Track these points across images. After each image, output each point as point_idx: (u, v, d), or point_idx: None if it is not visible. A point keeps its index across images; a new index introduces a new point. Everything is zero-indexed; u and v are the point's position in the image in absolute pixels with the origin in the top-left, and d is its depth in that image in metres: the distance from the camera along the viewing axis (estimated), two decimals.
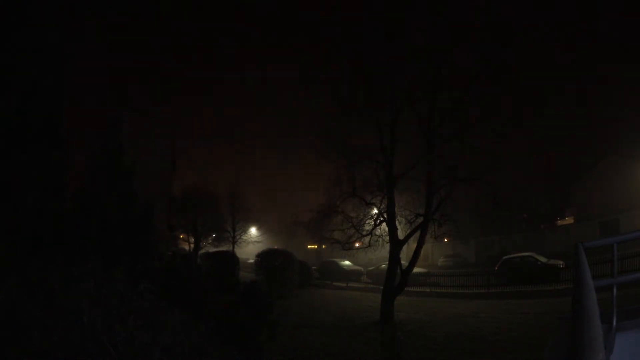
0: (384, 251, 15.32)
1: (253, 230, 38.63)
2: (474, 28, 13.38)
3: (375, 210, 15.24)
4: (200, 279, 12.36)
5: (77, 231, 8.76)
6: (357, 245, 16.30)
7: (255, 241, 36.53)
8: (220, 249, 30.32)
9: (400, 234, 14.78)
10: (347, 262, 26.96)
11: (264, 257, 22.48)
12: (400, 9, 14.51)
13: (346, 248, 15.58)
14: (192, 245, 32.20)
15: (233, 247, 33.31)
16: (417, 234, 14.23)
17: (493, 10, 13.44)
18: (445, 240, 23.90)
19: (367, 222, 15.57)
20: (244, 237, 35.91)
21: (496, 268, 19.99)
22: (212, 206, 33.49)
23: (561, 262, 18.09)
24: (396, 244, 14.41)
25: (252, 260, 25.47)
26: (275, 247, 26.94)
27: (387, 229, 14.79)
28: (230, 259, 22.89)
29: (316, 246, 39.72)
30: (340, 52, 14.69)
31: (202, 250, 30.33)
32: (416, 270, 16.15)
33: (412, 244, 15.19)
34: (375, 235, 15.28)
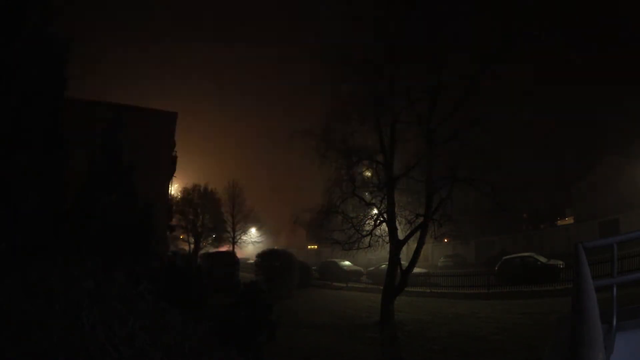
0: (384, 251, 15.32)
1: (253, 231, 38.67)
2: (475, 28, 13.37)
3: (375, 211, 15.24)
4: (200, 280, 12.35)
5: (77, 231, 8.76)
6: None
7: (255, 242, 36.58)
8: (221, 249, 30.36)
9: (400, 234, 14.78)
10: (347, 263, 26.97)
11: (264, 257, 22.48)
12: (401, 9, 14.50)
13: (346, 248, 15.58)
14: (192, 246, 32.25)
15: (233, 248, 33.36)
16: (417, 234, 14.23)
17: (494, 11, 13.43)
18: (445, 240, 23.92)
19: (367, 222, 15.56)
20: (244, 238, 35.97)
21: (496, 268, 20.00)
22: (212, 207, 33.55)
23: (561, 262, 18.09)
24: (396, 244, 14.40)
25: (252, 261, 25.47)
26: (275, 248, 26.97)
27: (387, 229, 14.79)
28: (230, 259, 22.90)
29: (316, 246, 39.74)
30: (340, 53, 14.69)
31: (202, 251, 30.36)
32: (416, 270, 16.15)
33: (412, 244, 15.19)
34: (375, 235, 15.27)
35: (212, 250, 29.79)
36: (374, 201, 15.12)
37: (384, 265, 18.43)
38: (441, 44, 13.13)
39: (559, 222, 36.42)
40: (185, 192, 32.87)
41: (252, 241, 36.57)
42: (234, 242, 34.76)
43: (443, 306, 15.77)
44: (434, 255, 33.18)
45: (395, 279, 14.18)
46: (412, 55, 13.77)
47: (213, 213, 33.52)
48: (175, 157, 24.40)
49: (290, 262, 22.01)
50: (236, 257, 24.15)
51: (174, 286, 8.96)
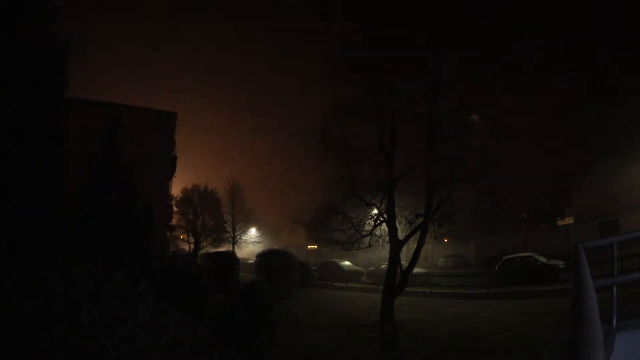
0: (384, 251, 15.31)
1: (253, 231, 38.65)
2: (475, 28, 13.39)
3: (375, 211, 15.23)
4: (200, 280, 12.36)
5: (77, 231, 8.74)
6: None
7: (255, 242, 36.57)
8: (220, 249, 30.35)
9: (400, 235, 14.77)
10: (347, 263, 26.97)
11: (264, 257, 22.49)
12: (401, 9, 14.51)
13: (346, 248, 15.57)
14: (192, 246, 32.25)
15: (233, 248, 33.34)
16: (417, 234, 14.23)
17: (493, 11, 13.44)
18: (445, 240, 23.91)
19: (367, 222, 15.56)
20: (244, 238, 35.95)
21: (496, 268, 20.00)
22: (212, 207, 33.54)
23: (561, 262, 18.09)
24: (396, 244, 14.39)
25: (252, 261, 25.47)
26: (276, 248, 26.97)
27: (387, 229, 14.78)
28: (230, 259, 22.90)
29: (316, 246, 39.75)
30: (340, 52, 14.70)
31: (202, 251, 30.35)
32: (416, 270, 16.15)
33: (412, 244, 15.20)
34: (375, 235, 15.26)
35: (212, 250, 29.77)
36: (374, 201, 15.11)
37: (384, 265, 18.43)
38: (441, 44, 13.14)
39: (559, 222, 36.43)
40: (185, 192, 32.86)
41: (252, 241, 36.55)
42: (234, 242, 34.74)
43: (443, 306, 15.77)
44: (434, 255, 33.15)
45: (395, 279, 14.18)
46: (412, 56, 13.78)
47: (213, 213, 33.53)
48: (176, 157, 24.39)
49: (290, 262, 22.01)
50: (236, 257, 24.14)
51: (174, 286, 8.96)
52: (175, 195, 31.72)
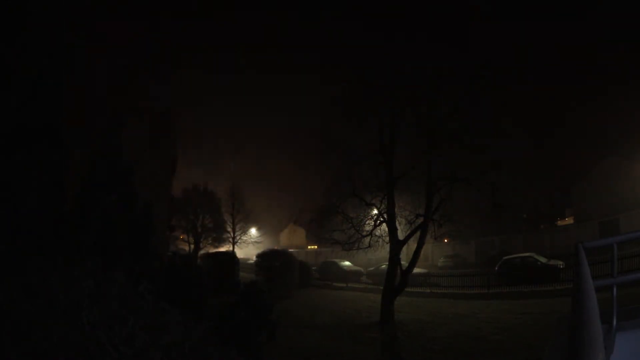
0: (384, 251, 15.32)
1: (253, 231, 38.63)
2: (474, 30, 13.41)
3: (375, 211, 15.24)
4: (200, 280, 12.35)
5: (77, 231, 8.75)
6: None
7: (255, 242, 36.55)
8: (221, 249, 30.35)
9: (400, 235, 14.77)
10: (347, 263, 26.93)
11: (264, 257, 22.47)
12: (401, 11, 14.54)
13: (346, 248, 15.58)
14: (192, 246, 32.22)
15: (233, 248, 33.33)
16: (417, 235, 14.23)
17: (493, 14, 13.47)
18: (445, 240, 23.91)
19: (367, 222, 15.56)
20: (244, 238, 35.93)
21: (496, 268, 19.98)
22: (212, 207, 33.54)
23: (561, 262, 18.07)
24: (396, 245, 14.40)
25: (252, 261, 25.45)
26: (276, 248, 26.94)
27: (387, 229, 14.78)
28: (230, 259, 22.87)
29: (316, 246, 39.75)
30: (340, 52, 14.74)
31: (202, 251, 30.35)
32: (416, 270, 16.13)
33: (412, 244, 15.20)
34: (375, 235, 15.27)
35: (212, 250, 29.78)
36: (374, 201, 15.12)
37: (384, 266, 18.41)
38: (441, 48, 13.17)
39: (559, 222, 36.42)
40: (185, 192, 32.85)
41: (252, 241, 36.53)
42: (234, 242, 34.74)
43: (443, 306, 15.75)
44: (434, 255, 33.09)
45: (395, 279, 14.18)
46: (412, 57, 13.80)
47: (213, 213, 33.50)
48: (176, 157, 24.38)
49: (290, 262, 22.00)
50: (236, 257, 24.11)
51: (174, 286, 8.96)
52: (176, 195, 31.71)
